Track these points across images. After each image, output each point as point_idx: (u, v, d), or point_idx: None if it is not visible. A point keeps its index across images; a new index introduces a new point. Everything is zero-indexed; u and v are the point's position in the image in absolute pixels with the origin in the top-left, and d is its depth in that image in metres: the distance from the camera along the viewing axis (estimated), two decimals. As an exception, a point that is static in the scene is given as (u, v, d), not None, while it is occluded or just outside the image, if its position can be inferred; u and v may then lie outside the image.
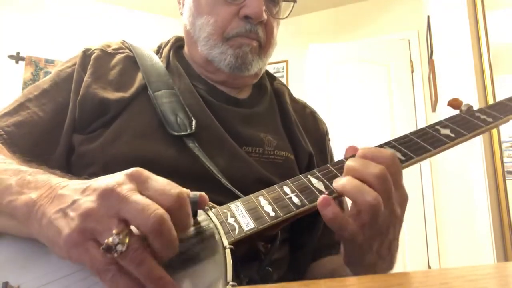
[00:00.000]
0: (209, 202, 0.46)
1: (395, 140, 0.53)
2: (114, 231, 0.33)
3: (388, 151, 0.48)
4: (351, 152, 0.51)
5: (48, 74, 0.67)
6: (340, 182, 0.45)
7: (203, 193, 0.41)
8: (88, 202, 0.35)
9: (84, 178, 0.40)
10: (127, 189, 0.35)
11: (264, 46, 0.71)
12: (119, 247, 0.32)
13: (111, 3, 3.61)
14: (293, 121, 0.76)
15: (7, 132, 0.60)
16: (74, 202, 0.36)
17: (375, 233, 0.45)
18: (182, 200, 0.37)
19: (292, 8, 0.76)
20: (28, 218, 0.39)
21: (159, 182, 0.37)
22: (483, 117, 0.56)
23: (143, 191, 0.36)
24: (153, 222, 0.33)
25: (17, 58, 3.23)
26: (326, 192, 0.47)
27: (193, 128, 0.62)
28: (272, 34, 0.72)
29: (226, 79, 0.73)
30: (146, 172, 0.38)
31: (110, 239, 0.32)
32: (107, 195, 0.35)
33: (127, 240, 0.33)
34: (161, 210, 0.34)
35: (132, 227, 0.35)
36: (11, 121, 0.61)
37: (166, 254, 0.35)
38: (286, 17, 0.76)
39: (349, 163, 0.46)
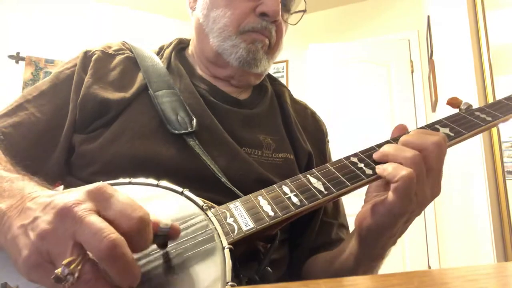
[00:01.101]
0: (208, 202, 0.46)
1: (394, 139, 0.53)
2: (63, 262, 0.31)
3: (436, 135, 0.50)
4: (399, 131, 0.54)
5: (48, 74, 0.67)
6: (380, 152, 0.50)
7: (176, 224, 0.38)
8: (44, 222, 0.34)
9: (64, 183, 0.39)
10: (84, 209, 0.33)
11: (273, 47, 0.72)
12: (70, 278, 0.31)
13: (112, 3, 3.61)
14: (293, 121, 0.76)
15: (4, 133, 0.60)
16: (34, 219, 0.35)
17: (422, 203, 0.48)
18: (143, 224, 0.34)
19: (302, 16, 0.77)
20: None
21: (122, 202, 0.35)
22: (482, 116, 0.56)
23: (103, 211, 0.34)
24: (104, 247, 0.31)
25: (17, 58, 3.24)
26: (326, 192, 0.47)
27: (194, 126, 0.62)
28: (282, 37, 0.74)
29: (232, 74, 0.73)
30: (109, 189, 0.36)
31: (60, 270, 0.30)
32: (63, 215, 0.33)
33: (78, 269, 0.31)
34: (114, 235, 0.32)
35: None
36: (9, 122, 0.62)
37: (123, 281, 0.33)
38: (296, 23, 0.77)
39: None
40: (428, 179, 0.47)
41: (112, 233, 0.32)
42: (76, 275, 0.31)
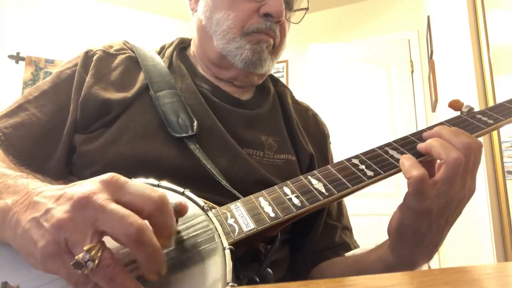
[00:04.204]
0: (209, 203, 0.46)
1: (396, 141, 0.53)
2: (84, 248, 0.32)
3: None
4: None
5: (48, 74, 0.67)
6: (425, 143, 0.49)
7: (183, 203, 0.39)
8: (61, 212, 0.34)
9: (65, 182, 0.39)
10: (103, 198, 0.34)
11: (277, 47, 0.72)
12: (90, 264, 0.31)
13: (112, 3, 3.61)
14: (295, 123, 0.76)
15: (5, 133, 0.60)
16: (47, 211, 0.35)
17: (446, 204, 0.48)
18: (164, 203, 0.35)
19: (304, 15, 0.77)
20: (2, 224, 0.39)
21: (138, 186, 0.36)
22: (484, 119, 0.55)
23: (121, 198, 0.35)
24: (132, 232, 0.32)
25: (17, 58, 3.23)
26: (327, 194, 0.47)
27: (194, 130, 0.62)
28: (285, 36, 0.73)
29: (236, 76, 0.73)
30: (122, 178, 0.37)
31: (80, 255, 0.31)
32: (82, 204, 0.34)
33: (98, 256, 0.32)
34: (140, 220, 0.33)
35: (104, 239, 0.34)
36: (10, 123, 0.62)
37: (151, 266, 0.34)
38: (299, 22, 0.77)
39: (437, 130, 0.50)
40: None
41: (137, 218, 0.33)
42: (96, 261, 0.32)
